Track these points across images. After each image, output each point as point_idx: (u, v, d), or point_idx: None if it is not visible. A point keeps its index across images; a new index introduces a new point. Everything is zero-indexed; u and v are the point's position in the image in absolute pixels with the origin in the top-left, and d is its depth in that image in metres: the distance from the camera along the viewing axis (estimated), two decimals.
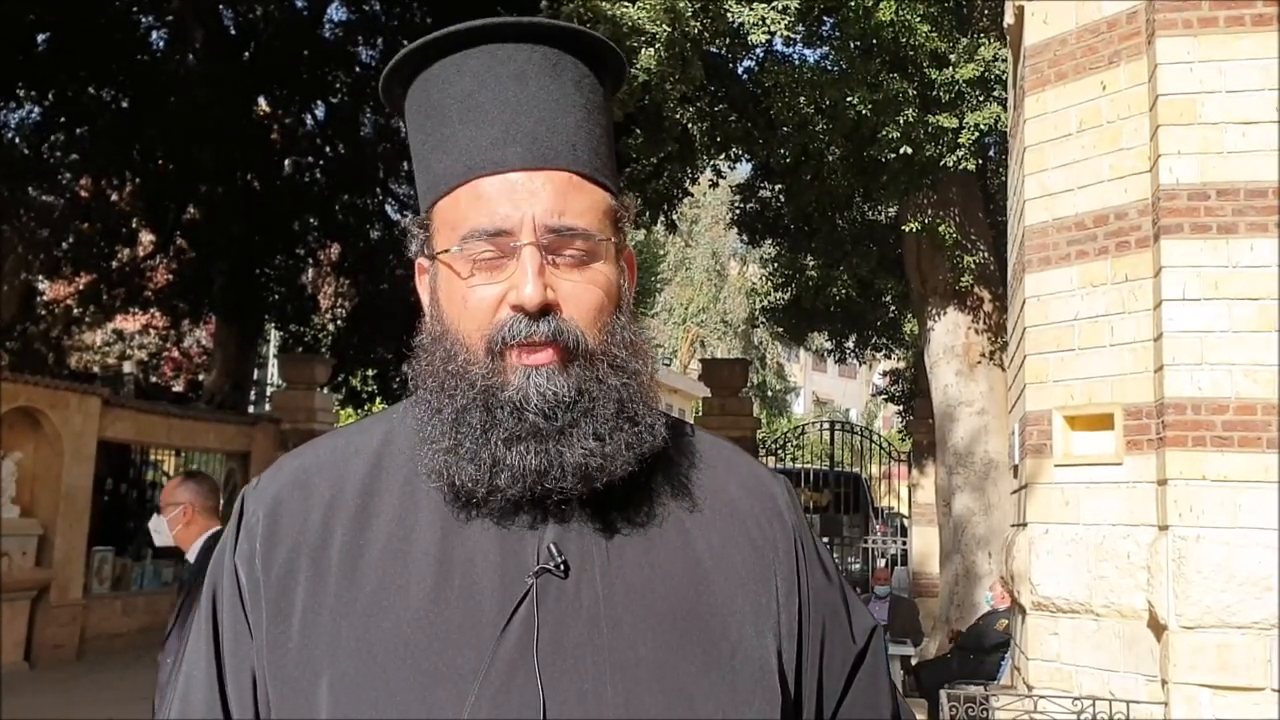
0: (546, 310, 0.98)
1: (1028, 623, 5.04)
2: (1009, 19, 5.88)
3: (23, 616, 10.86)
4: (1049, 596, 4.86)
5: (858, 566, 17.53)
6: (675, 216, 13.11)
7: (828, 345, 19.04)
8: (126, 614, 12.57)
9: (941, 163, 9.59)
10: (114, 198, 17.45)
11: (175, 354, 20.74)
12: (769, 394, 39.23)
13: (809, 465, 20.55)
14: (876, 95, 9.18)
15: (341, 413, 18.63)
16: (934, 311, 11.49)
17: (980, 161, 10.67)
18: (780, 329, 18.38)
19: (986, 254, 11.27)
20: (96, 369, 19.23)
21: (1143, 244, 4.71)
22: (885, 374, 25.91)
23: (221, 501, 4.02)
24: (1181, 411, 4.37)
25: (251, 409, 18.58)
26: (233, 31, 17.66)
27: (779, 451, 19.74)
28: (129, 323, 19.92)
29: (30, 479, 11.24)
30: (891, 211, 13.48)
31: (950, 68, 9.34)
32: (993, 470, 10.79)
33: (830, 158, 10.35)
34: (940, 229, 10.67)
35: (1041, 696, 4.61)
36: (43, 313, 17.71)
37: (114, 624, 12.24)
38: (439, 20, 15.60)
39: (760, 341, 37.15)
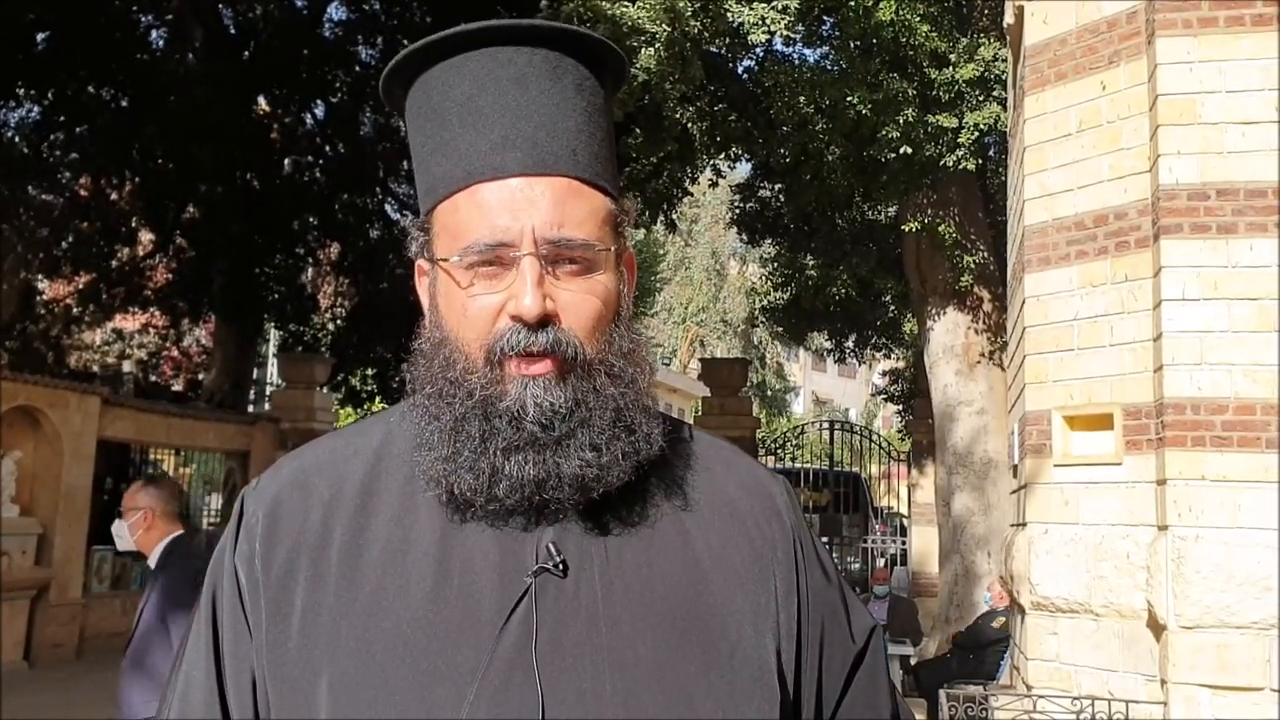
0: (545, 321, 0.98)
1: (1027, 622, 5.04)
2: (1009, 19, 5.88)
3: (22, 616, 10.87)
4: (1048, 596, 4.87)
5: (857, 566, 17.53)
6: (675, 216, 13.12)
7: (827, 345, 19.04)
8: (126, 613, 12.53)
9: (941, 162, 9.59)
10: (114, 197, 17.45)
11: (175, 353, 20.74)
12: (768, 394, 39.23)
13: (808, 465, 20.53)
14: (876, 95, 9.18)
15: (341, 412, 18.63)
16: (933, 311, 11.49)
17: (980, 161, 10.67)
18: (780, 329, 18.39)
19: (986, 254, 11.27)
20: (96, 368, 19.23)
21: (1142, 244, 4.71)
22: (885, 374, 25.92)
23: (182, 504, 4.01)
24: (1181, 411, 4.37)
25: (251, 408, 18.58)
26: (232, 31, 17.65)
27: (778, 451, 19.74)
28: (128, 322, 19.92)
29: (30, 478, 11.24)
30: (891, 211, 13.48)
31: (950, 67, 9.34)
32: (992, 470, 10.79)
33: (830, 157, 10.35)
34: (940, 229, 10.68)
35: (1041, 696, 4.61)
36: (42, 312, 17.71)
37: (113, 623, 12.23)
38: (439, 20, 15.61)
39: (760, 341, 37.15)
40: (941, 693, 4.91)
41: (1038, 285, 5.13)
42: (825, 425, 20.38)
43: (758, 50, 10.17)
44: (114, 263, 17.82)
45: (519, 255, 0.98)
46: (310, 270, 19.50)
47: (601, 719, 0.94)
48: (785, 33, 8.98)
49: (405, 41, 16.37)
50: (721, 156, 11.87)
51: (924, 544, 17.38)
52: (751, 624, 1.03)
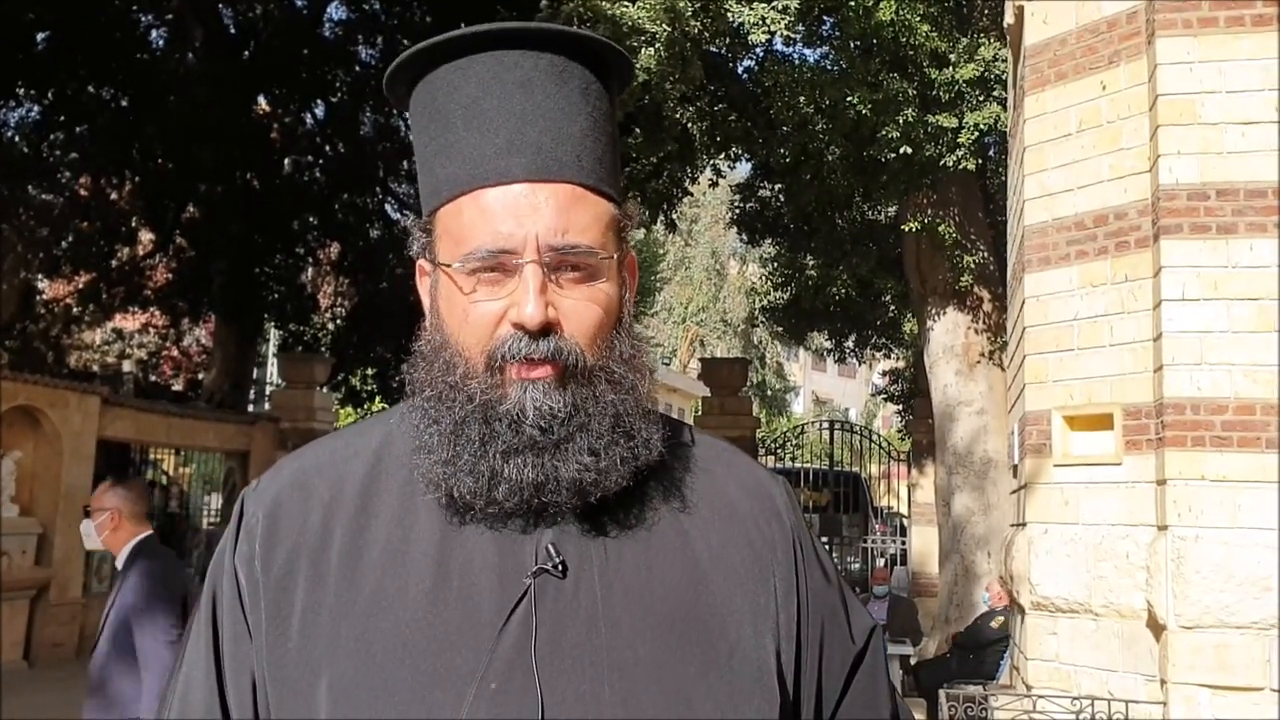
0: (547, 329, 0.98)
1: (1027, 622, 5.04)
2: (1009, 19, 5.88)
3: (22, 615, 10.86)
4: (1048, 596, 4.87)
5: (857, 566, 17.53)
6: (675, 216, 13.11)
7: (827, 345, 19.04)
8: None
9: (941, 162, 9.59)
10: (113, 197, 17.45)
11: (175, 353, 20.74)
12: (768, 393, 39.23)
13: (808, 465, 20.51)
14: (876, 95, 9.19)
15: (341, 412, 18.63)
16: (933, 311, 11.49)
17: (980, 161, 10.67)
18: (780, 328, 18.39)
19: (986, 254, 11.27)
20: (96, 368, 19.23)
21: (1142, 244, 4.71)
22: (885, 374, 25.92)
23: (150, 505, 4.02)
24: (1181, 411, 4.38)
25: (251, 408, 18.58)
26: (232, 30, 17.66)
27: (778, 451, 19.74)
28: (128, 322, 19.92)
29: (29, 478, 11.24)
30: (891, 211, 13.48)
31: (950, 68, 9.34)
32: (992, 470, 10.79)
33: (830, 157, 10.35)
34: (940, 229, 10.68)
35: (1040, 696, 4.61)
36: (42, 311, 17.71)
37: None
38: (439, 19, 15.62)
39: (760, 341, 37.15)
40: (941, 693, 4.91)
41: (1038, 285, 5.13)
42: (825, 425, 20.38)
43: (758, 50, 10.17)
44: (114, 262, 17.82)
45: (522, 262, 0.98)
46: (310, 270, 19.50)
47: None
48: (785, 33, 8.98)
49: (405, 41, 16.38)
50: (721, 156, 11.87)
51: (924, 544, 17.38)
52: (751, 625, 1.03)
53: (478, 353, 1.00)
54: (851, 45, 9.48)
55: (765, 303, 18.40)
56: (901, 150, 9.40)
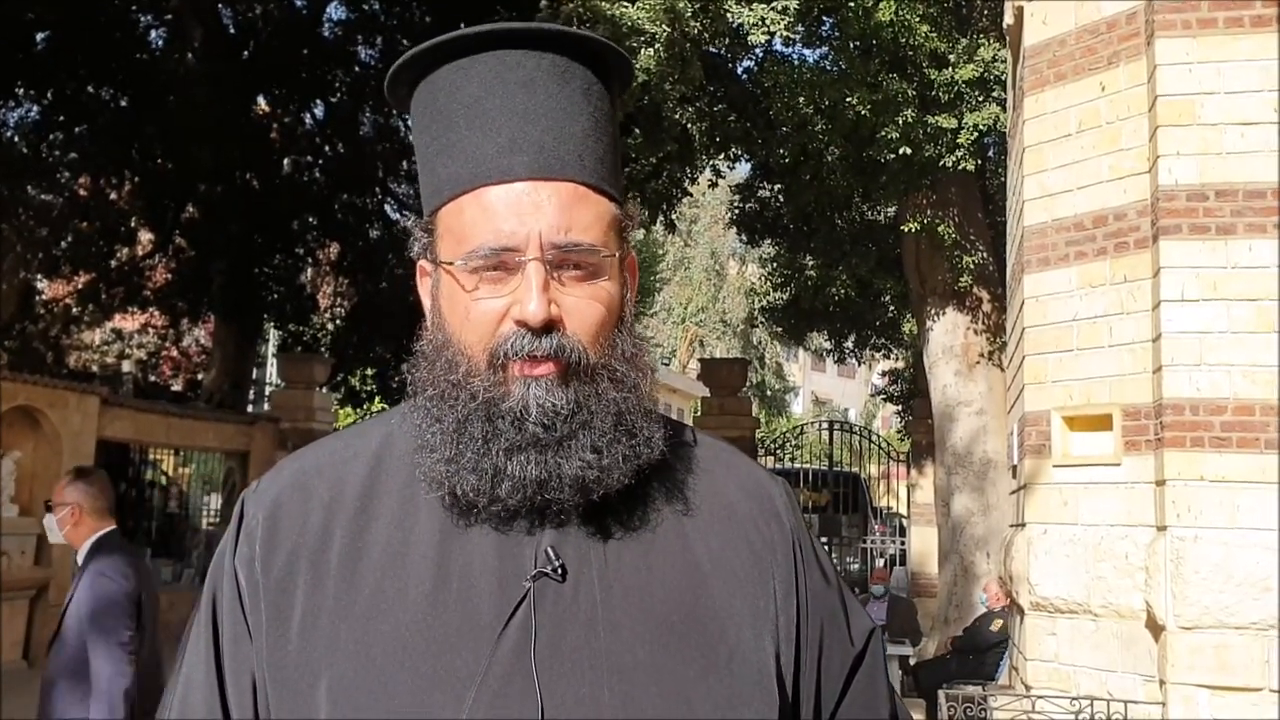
0: (550, 326, 0.98)
1: (1026, 623, 5.05)
2: (1008, 19, 5.89)
3: (22, 616, 10.86)
4: (1047, 597, 4.87)
5: (856, 566, 17.53)
6: (674, 216, 13.11)
7: (827, 345, 19.04)
8: None
9: (940, 163, 9.60)
10: (113, 197, 17.45)
11: (174, 353, 20.74)
12: (768, 394, 39.22)
13: (808, 465, 20.50)
14: (876, 95, 9.19)
15: (340, 412, 18.62)
16: (933, 311, 11.49)
17: (979, 162, 10.68)
18: (779, 329, 18.38)
19: (985, 254, 11.27)
20: (95, 368, 19.23)
21: (1141, 245, 4.71)
22: (884, 374, 25.92)
23: (113, 500, 3.97)
24: (1180, 412, 4.38)
25: (250, 408, 18.58)
26: (232, 31, 17.65)
27: (778, 451, 19.73)
28: (128, 322, 19.92)
29: (29, 478, 11.23)
30: (890, 211, 13.48)
31: (950, 68, 9.35)
32: (991, 470, 10.80)
33: (829, 158, 10.36)
34: (939, 229, 10.68)
35: (1040, 696, 4.61)
36: (41, 312, 17.70)
37: None
38: (438, 20, 15.62)
39: (759, 341, 37.15)
40: (940, 693, 4.91)
41: (1037, 286, 5.13)
42: (824, 425, 20.36)
43: (757, 51, 10.17)
44: (113, 263, 17.81)
45: (524, 260, 0.98)
46: (310, 270, 19.50)
47: None
48: (785, 33, 8.99)
49: (405, 41, 16.39)
50: (721, 157, 11.87)
51: (923, 544, 17.37)
52: (750, 627, 1.03)
53: (480, 350, 1.00)
54: (851, 46, 9.49)
55: (765, 303, 18.40)
56: (901, 151, 9.40)
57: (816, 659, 1.09)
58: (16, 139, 16.11)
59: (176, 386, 19.28)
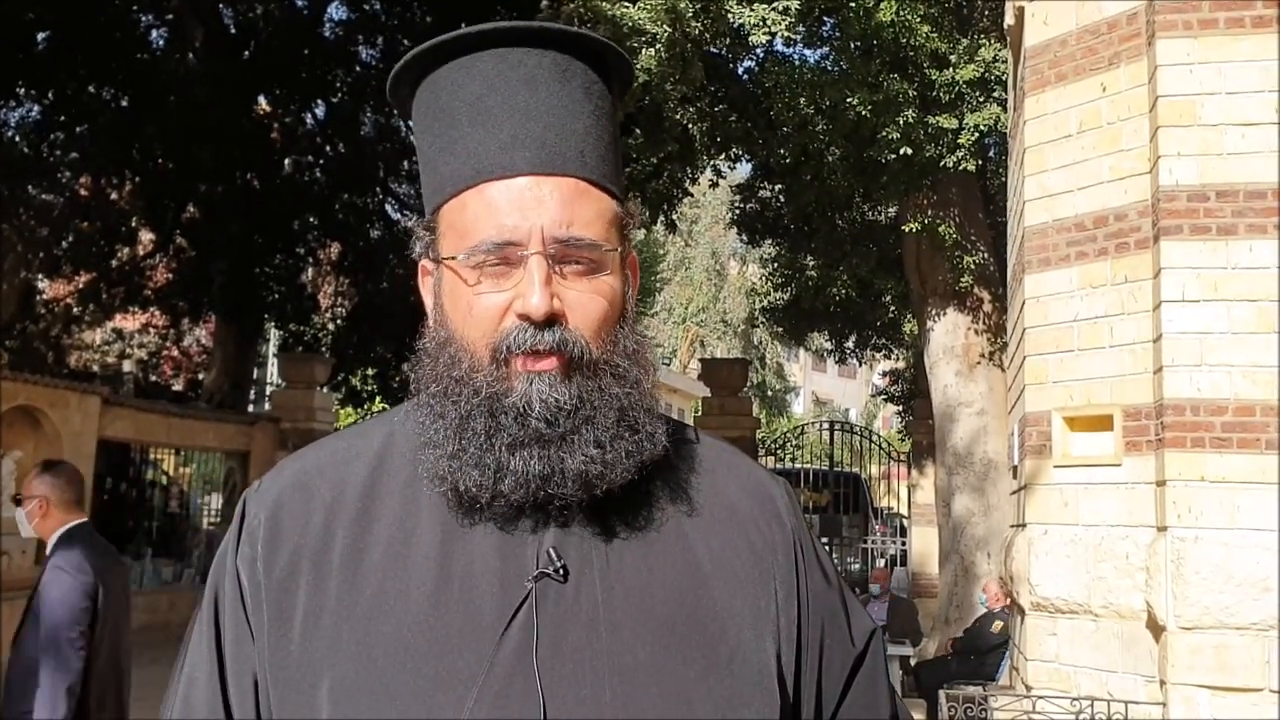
0: (552, 320, 0.98)
1: (1026, 623, 5.05)
2: (1009, 20, 5.89)
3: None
4: (1048, 597, 4.87)
5: (857, 567, 17.53)
6: (675, 216, 13.11)
7: (827, 345, 19.04)
8: None
9: (941, 163, 9.60)
10: (114, 196, 17.46)
11: (175, 353, 20.75)
12: (769, 394, 39.22)
13: (808, 465, 20.51)
14: (876, 96, 9.19)
15: (341, 412, 18.63)
16: (933, 312, 11.49)
17: (980, 162, 10.68)
18: (780, 329, 18.38)
19: (986, 254, 11.27)
20: (96, 368, 19.24)
21: (1142, 245, 4.71)
22: (885, 374, 25.91)
23: (82, 492, 3.94)
24: (1180, 413, 4.38)
25: (251, 408, 18.59)
26: (233, 30, 17.66)
27: (778, 451, 19.74)
28: (128, 322, 19.93)
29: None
30: (891, 212, 13.48)
31: (950, 68, 9.35)
32: (992, 471, 10.79)
33: (830, 158, 10.36)
34: (940, 229, 10.68)
35: (1040, 697, 4.61)
36: (42, 311, 17.71)
37: None
38: (439, 19, 15.62)
39: (760, 341, 37.14)
40: (941, 693, 4.91)
41: (1038, 286, 5.13)
42: (825, 426, 20.37)
43: (758, 51, 10.17)
44: (114, 263, 17.83)
45: (527, 254, 0.99)
46: (310, 270, 19.50)
47: None
48: (786, 34, 8.99)
49: (405, 41, 16.40)
50: (722, 157, 11.87)
51: (924, 545, 17.38)
52: (751, 628, 1.03)
53: (483, 346, 1.00)
54: (852, 46, 9.49)
55: (765, 303, 18.39)
56: (902, 151, 9.40)
57: (817, 659, 1.09)
58: (17, 139, 16.12)
59: (177, 386, 19.29)
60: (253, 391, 20.34)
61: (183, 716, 1.04)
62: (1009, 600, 6.23)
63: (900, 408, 21.60)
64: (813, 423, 23.40)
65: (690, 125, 9.88)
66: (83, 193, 17.14)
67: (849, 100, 9.19)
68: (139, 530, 13.93)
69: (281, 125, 18.28)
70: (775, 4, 8.86)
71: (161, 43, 17.65)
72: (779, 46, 10.13)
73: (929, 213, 10.91)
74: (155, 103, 15.63)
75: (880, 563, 16.91)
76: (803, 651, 1.08)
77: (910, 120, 9.24)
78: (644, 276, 30.55)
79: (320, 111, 18.57)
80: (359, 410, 18.83)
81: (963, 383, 11.21)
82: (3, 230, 15.19)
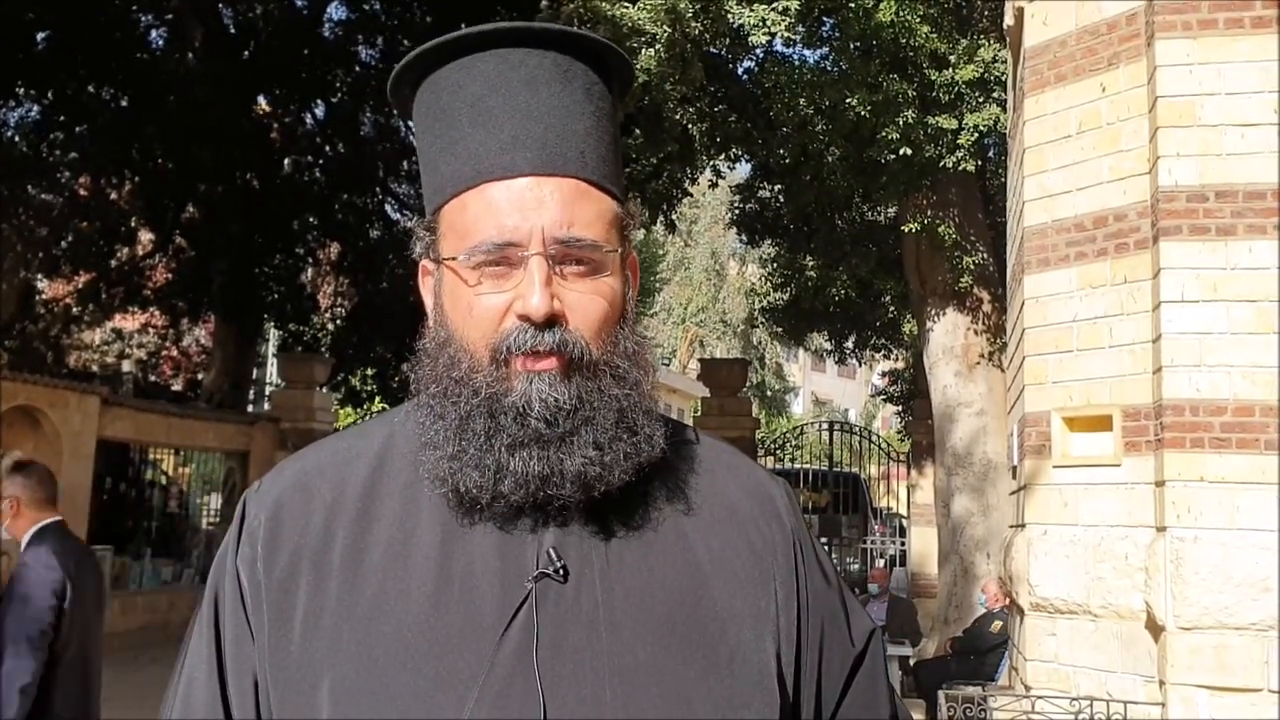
0: (552, 321, 0.98)
1: (1026, 623, 5.05)
2: (1009, 20, 5.89)
3: None
4: (1047, 597, 4.87)
5: (856, 567, 17.53)
6: (675, 216, 13.11)
7: (827, 345, 19.03)
8: (125, 613, 12.56)
9: (941, 164, 9.60)
10: (113, 196, 17.46)
11: (174, 353, 20.75)
12: (768, 394, 39.22)
13: (808, 465, 20.51)
14: (876, 96, 9.19)
15: (341, 412, 18.63)
16: (933, 312, 11.49)
17: (980, 163, 10.67)
18: (779, 329, 18.37)
19: (986, 255, 11.27)
20: (95, 368, 19.24)
21: (1142, 246, 4.71)
22: (884, 374, 25.90)
23: (55, 491, 3.91)
24: (1180, 413, 4.38)
25: (251, 408, 18.58)
26: (232, 30, 17.66)
27: (778, 452, 19.73)
28: (128, 322, 19.93)
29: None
30: (891, 212, 13.48)
31: (950, 69, 9.35)
32: (991, 471, 10.79)
33: (830, 158, 10.35)
34: (940, 230, 10.68)
35: (1039, 697, 4.62)
36: (42, 311, 17.71)
37: (113, 623, 12.16)
38: (439, 20, 15.62)
39: (759, 341, 37.14)
40: (940, 693, 4.91)
41: (1037, 287, 5.13)
42: (824, 426, 20.37)
43: (758, 51, 10.17)
44: (114, 262, 17.83)
45: (527, 255, 0.99)
46: (310, 270, 19.51)
47: None
48: (785, 34, 8.99)
49: (405, 41, 16.40)
50: (721, 157, 11.88)
51: (923, 545, 17.37)
52: (751, 628, 1.03)
53: (483, 346, 1.00)
54: (851, 46, 9.49)
55: (765, 303, 18.39)
56: (901, 151, 9.40)
57: (817, 659, 1.09)
58: (17, 139, 16.12)
59: (177, 386, 19.29)
60: (252, 391, 20.33)
61: (183, 717, 1.04)
62: (1008, 600, 6.23)
63: (900, 408, 21.60)
64: (812, 423, 23.41)
65: (690, 125, 9.88)
66: (82, 193, 17.14)
67: (849, 100, 9.20)
68: (138, 530, 13.93)
69: (281, 125, 18.28)
70: (775, 4, 8.86)
71: (161, 43, 17.66)
72: (779, 47, 10.14)
73: (929, 213, 10.91)
74: (155, 103, 15.63)
75: (879, 563, 16.90)
76: (802, 651, 1.08)
77: (910, 120, 9.24)
78: (643, 276, 30.55)
79: (320, 111, 18.58)
80: (359, 410, 18.82)
81: (962, 383, 11.21)
82: (3, 230, 15.19)
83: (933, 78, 9.37)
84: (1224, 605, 4.20)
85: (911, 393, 18.79)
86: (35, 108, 16.22)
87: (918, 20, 9.04)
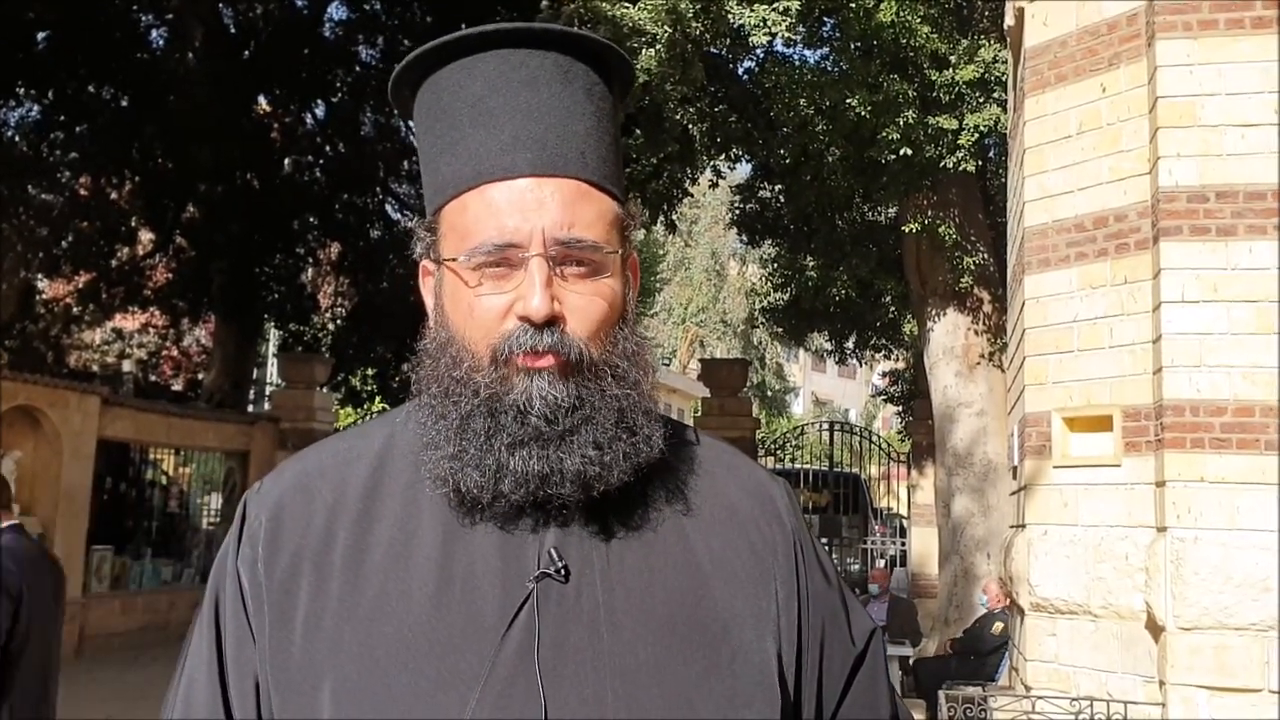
0: (552, 321, 0.98)
1: (1026, 623, 5.05)
2: (1009, 21, 5.89)
3: None
4: (1047, 597, 4.87)
5: (857, 567, 17.52)
6: (675, 216, 13.11)
7: (827, 345, 19.02)
8: (125, 613, 12.58)
9: (941, 164, 9.60)
10: (113, 196, 17.46)
11: (174, 353, 20.75)
12: (768, 394, 39.22)
13: (808, 466, 20.50)
14: (876, 96, 9.19)
15: (341, 412, 18.63)
16: (933, 312, 11.49)
17: (980, 163, 10.67)
18: (780, 329, 18.36)
19: (986, 255, 11.27)
20: (96, 368, 19.24)
21: (1142, 246, 4.71)
22: (885, 374, 25.89)
23: (13, 494, 3.88)
24: (1180, 413, 4.38)
25: (251, 408, 18.59)
26: (233, 30, 17.66)
27: (778, 452, 19.73)
28: (128, 321, 19.93)
29: (30, 478, 11.24)
30: (891, 212, 13.48)
31: (950, 69, 9.35)
32: (992, 472, 10.79)
33: (830, 158, 10.35)
34: (940, 230, 10.68)
35: (1039, 697, 4.62)
36: (42, 311, 17.72)
37: (113, 623, 12.25)
38: (439, 20, 15.62)
39: (760, 341, 37.15)
40: (940, 693, 4.91)
41: (1037, 287, 5.13)
42: (825, 426, 20.36)
43: (758, 51, 10.17)
44: (114, 262, 17.83)
45: (527, 256, 0.99)
46: (310, 270, 19.51)
47: None
48: (786, 34, 8.99)
49: (405, 41, 16.41)
50: (722, 157, 11.87)
51: (923, 545, 17.37)
52: (752, 628, 1.03)
53: (483, 347, 1.00)
54: (852, 47, 9.49)
55: (765, 303, 18.38)
56: (901, 152, 9.40)
57: (818, 659, 1.09)
58: (17, 139, 16.13)
59: (177, 386, 19.29)
60: (252, 391, 20.33)
61: (183, 717, 1.04)
62: (1009, 601, 6.23)
63: (900, 408, 21.59)
64: (812, 423, 23.40)
65: (690, 125, 9.88)
66: (82, 192, 17.15)
67: (849, 101, 9.20)
68: (139, 530, 13.93)
69: (281, 125, 18.29)
70: (775, 4, 8.86)
71: (161, 42, 17.67)
72: (779, 47, 10.13)
73: (929, 213, 10.91)
74: (155, 102, 15.64)
75: (880, 563, 16.90)
76: (803, 651, 1.08)
77: (910, 121, 9.24)
78: (644, 277, 30.50)
79: (320, 111, 18.59)
80: (359, 410, 18.83)
81: (962, 383, 11.21)
82: (3, 230, 15.20)
83: (933, 78, 9.37)
84: (1224, 606, 4.20)
85: (912, 393, 18.79)
86: (35, 108, 16.23)
87: (918, 20, 9.04)
